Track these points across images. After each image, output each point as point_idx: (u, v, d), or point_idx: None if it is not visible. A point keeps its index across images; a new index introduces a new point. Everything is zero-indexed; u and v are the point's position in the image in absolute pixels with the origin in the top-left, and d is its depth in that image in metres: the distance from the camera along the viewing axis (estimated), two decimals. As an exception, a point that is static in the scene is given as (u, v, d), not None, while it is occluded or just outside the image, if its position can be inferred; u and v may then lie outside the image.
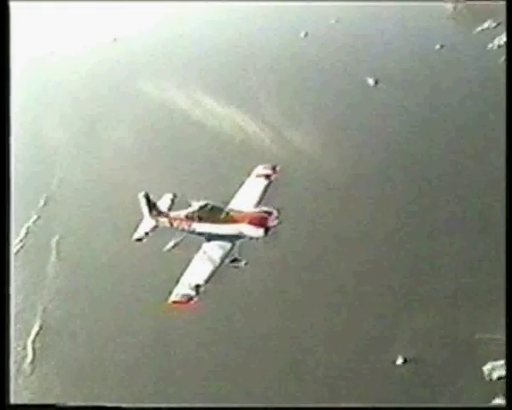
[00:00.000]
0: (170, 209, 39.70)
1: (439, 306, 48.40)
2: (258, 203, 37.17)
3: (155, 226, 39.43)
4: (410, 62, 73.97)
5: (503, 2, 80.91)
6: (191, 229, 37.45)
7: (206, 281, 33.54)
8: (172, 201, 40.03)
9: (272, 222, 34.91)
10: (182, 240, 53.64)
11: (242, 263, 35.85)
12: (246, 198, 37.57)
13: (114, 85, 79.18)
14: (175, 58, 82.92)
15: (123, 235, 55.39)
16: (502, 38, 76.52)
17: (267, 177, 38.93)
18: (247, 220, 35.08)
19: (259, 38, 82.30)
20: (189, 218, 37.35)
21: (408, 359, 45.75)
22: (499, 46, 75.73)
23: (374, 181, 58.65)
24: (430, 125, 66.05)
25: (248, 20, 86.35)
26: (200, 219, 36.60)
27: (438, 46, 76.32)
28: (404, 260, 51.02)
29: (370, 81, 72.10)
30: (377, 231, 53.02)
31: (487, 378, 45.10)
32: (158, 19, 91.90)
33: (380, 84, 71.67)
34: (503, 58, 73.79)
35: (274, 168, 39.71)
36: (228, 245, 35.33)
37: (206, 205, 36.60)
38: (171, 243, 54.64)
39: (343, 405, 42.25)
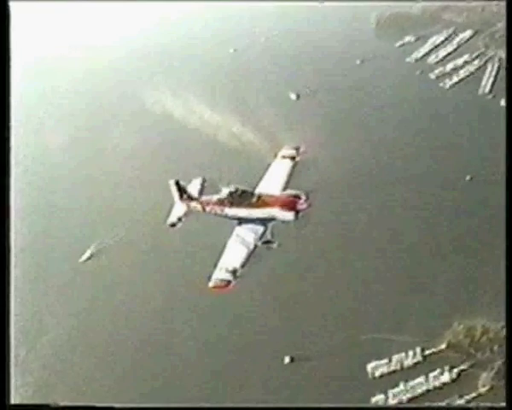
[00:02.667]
0: (201, 194, 38.87)
1: (328, 308, 51.32)
2: (286, 186, 37.20)
3: (187, 211, 38.56)
4: (332, 77, 76.82)
5: (425, 16, 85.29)
6: (223, 213, 37.03)
7: (242, 265, 33.62)
8: (202, 185, 39.29)
9: (302, 205, 34.94)
10: (99, 251, 57.18)
11: (275, 244, 35.67)
12: (273, 181, 37.65)
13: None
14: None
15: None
16: (420, 52, 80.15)
17: (292, 158, 38.88)
18: (279, 204, 35.26)
19: (188, 50, 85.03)
20: (220, 202, 36.91)
21: (295, 358, 48.64)
22: (416, 60, 79.28)
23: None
24: (346, 136, 68.76)
25: (179, 35, 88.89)
26: (232, 204, 36.40)
27: (359, 61, 79.31)
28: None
29: (292, 96, 74.77)
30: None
31: (370, 376, 48.16)
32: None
33: (301, 99, 74.34)
34: (419, 71, 77.38)
35: (297, 149, 39.51)
36: (260, 228, 35.38)
37: (236, 190, 36.41)
38: (88, 253, 57.83)
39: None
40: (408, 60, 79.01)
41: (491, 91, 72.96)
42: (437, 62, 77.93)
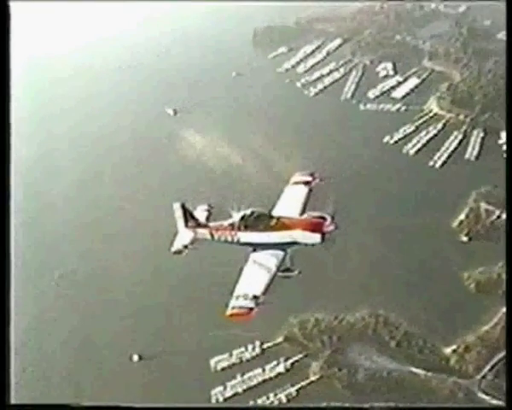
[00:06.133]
0: (208, 220, 36.54)
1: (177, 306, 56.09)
2: (303, 211, 34.71)
3: (194, 238, 36.17)
4: (209, 92, 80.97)
5: (299, 27, 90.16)
6: (235, 239, 34.25)
7: (264, 292, 30.93)
8: (209, 212, 37.10)
9: (328, 228, 32.31)
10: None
11: (295, 273, 33.01)
12: (289, 206, 35.40)
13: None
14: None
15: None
16: (290, 62, 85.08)
17: (306, 183, 36.93)
18: (302, 226, 32.62)
19: (73, 70, 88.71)
20: (233, 227, 34.15)
21: (143, 356, 53.41)
22: (287, 69, 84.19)
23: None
24: (223, 146, 72.97)
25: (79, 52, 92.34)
26: (246, 228, 33.66)
27: (234, 73, 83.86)
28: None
29: (170, 111, 78.99)
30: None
31: (213, 370, 52.94)
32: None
33: (179, 114, 78.67)
34: (288, 79, 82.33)
35: (312, 175, 37.53)
36: (280, 253, 32.48)
37: (252, 213, 33.72)
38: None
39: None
40: (279, 70, 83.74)
41: (352, 97, 77.98)
42: (305, 71, 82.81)
